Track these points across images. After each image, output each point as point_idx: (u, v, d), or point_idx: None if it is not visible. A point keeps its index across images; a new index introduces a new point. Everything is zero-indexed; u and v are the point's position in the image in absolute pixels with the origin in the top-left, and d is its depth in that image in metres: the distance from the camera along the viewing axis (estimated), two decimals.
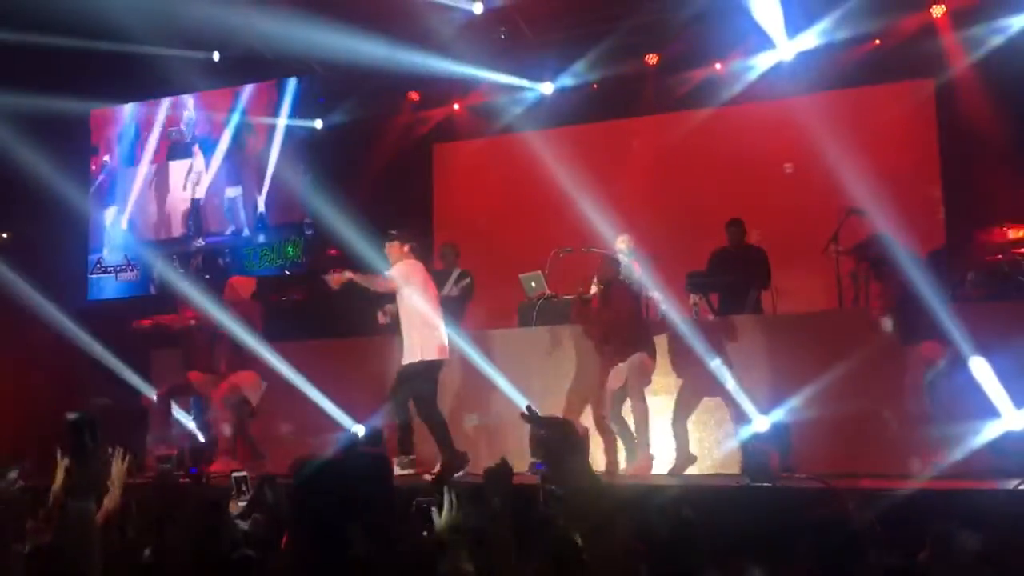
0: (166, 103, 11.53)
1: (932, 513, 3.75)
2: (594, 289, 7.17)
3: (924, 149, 9.37)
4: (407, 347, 6.71)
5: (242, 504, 4.62)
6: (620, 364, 6.68)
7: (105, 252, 11.53)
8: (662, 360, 7.07)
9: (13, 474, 3.67)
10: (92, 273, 11.44)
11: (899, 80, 9.52)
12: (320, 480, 2.12)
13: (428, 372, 6.66)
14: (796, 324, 7.22)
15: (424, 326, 6.62)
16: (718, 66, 10.04)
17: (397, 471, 6.46)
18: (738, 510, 4.62)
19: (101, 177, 11.71)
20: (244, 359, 7.40)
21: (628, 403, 6.70)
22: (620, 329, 6.71)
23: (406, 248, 6.81)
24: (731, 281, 7.91)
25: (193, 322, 7.61)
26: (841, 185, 8.93)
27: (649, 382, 6.71)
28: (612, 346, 6.76)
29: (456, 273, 8.37)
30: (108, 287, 11.42)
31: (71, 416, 2.67)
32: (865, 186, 8.81)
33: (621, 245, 8.31)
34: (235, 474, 5.31)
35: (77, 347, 8.94)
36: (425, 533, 2.81)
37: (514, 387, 7.42)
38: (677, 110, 10.28)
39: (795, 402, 6.52)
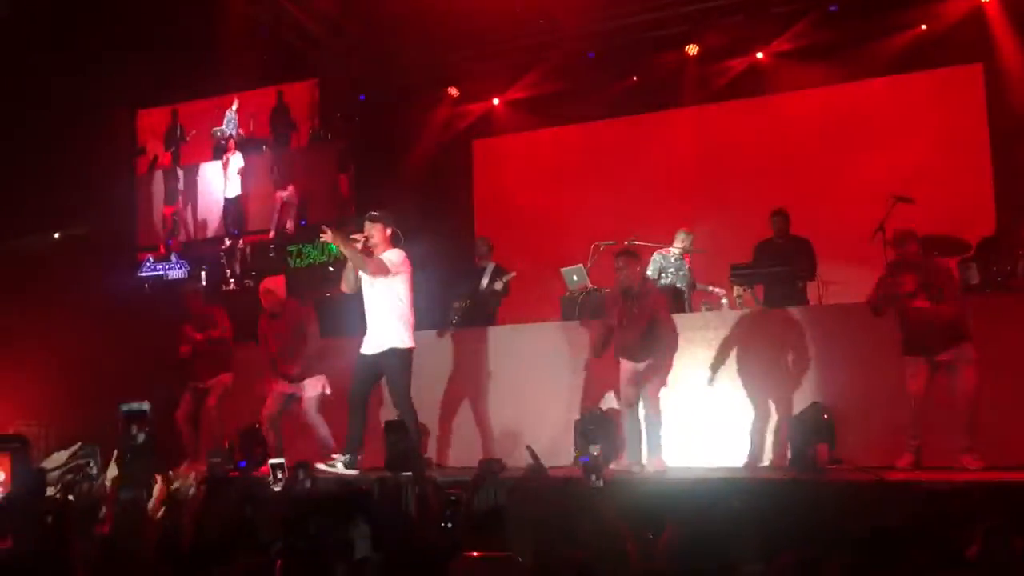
0: (211, 103, 11.68)
1: (981, 508, 3.68)
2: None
3: (973, 135, 9.19)
4: (382, 334, 6.50)
5: (277, 489, 4.68)
6: (638, 365, 6.55)
7: (154, 251, 11.73)
8: (704, 353, 7.01)
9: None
10: (142, 272, 11.63)
11: (946, 66, 9.35)
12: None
13: (408, 360, 6.58)
14: (842, 315, 7.11)
15: (405, 315, 6.53)
16: (759, 55, 9.94)
17: (340, 470, 6.38)
18: (784, 503, 4.58)
19: (148, 177, 11.90)
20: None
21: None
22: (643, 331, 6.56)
23: (388, 232, 6.62)
24: (776, 272, 7.82)
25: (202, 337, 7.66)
26: (888, 173, 8.83)
27: (664, 385, 6.58)
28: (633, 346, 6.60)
29: (491, 267, 8.38)
30: (159, 287, 11.60)
31: (124, 408, 2.72)
32: (912, 174, 8.70)
33: (680, 242, 8.33)
34: (272, 461, 5.35)
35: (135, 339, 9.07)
36: (449, 525, 2.80)
37: (556, 380, 7.42)
38: (718, 100, 10.20)
39: (842, 394, 6.44)
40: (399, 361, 6.52)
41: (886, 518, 2.96)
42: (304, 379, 7.23)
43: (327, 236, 6.48)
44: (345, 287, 6.69)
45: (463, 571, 2.49)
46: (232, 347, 7.97)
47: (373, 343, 6.57)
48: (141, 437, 2.61)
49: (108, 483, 3.74)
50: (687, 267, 8.44)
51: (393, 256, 6.52)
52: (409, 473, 4.54)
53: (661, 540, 2.87)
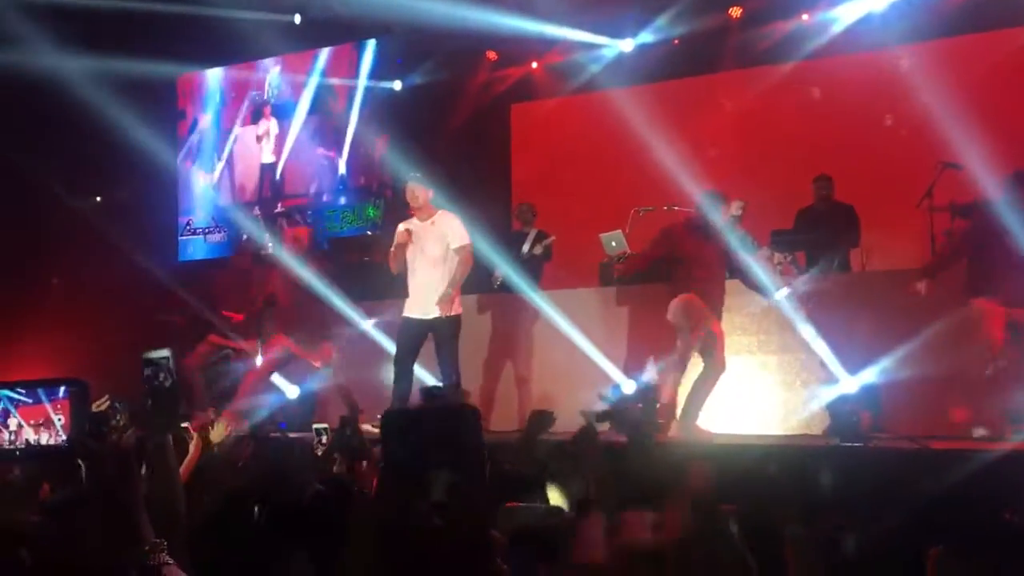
0: (249, 67, 11.71)
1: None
2: None
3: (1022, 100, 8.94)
4: (439, 300, 6.49)
5: (319, 453, 4.74)
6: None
7: (194, 214, 11.83)
8: (744, 320, 6.94)
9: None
10: (182, 235, 11.75)
11: (996, 28, 9.09)
12: (407, 427, 2.13)
13: (459, 326, 6.62)
14: (886, 282, 7.00)
15: (456, 282, 6.57)
16: (805, 17, 9.73)
17: None
18: (828, 470, 4.53)
19: (189, 141, 11.98)
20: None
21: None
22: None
23: (430, 193, 6.61)
24: (818, 239, 7.70)
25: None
26: (935, 138, 8.64)
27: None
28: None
29: (533, 233, 8.34)
30: (198, 248, 11.74)
31: (148, 354, 2.73)
32: (961, 139, 8.50)
33: (736, 211, 8.16)
34: (316, 425, 5.42)
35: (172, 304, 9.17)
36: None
37: (595, 346, 7.39)
38: (762, 64, 10.01)
39: (885, 362, 6.34)
40: (452, 328, 6.56)
41: (929, 486, 2.91)
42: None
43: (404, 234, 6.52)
44: (395, 268, 6.68)
45: (506, 517, 2.55)
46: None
47: (421, 308, 6.56)
48: (168, 382, 2.64)
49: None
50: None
51: (461, 227, 6.55)
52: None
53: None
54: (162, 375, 2.68)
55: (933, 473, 4.18)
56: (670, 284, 6.43)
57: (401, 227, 6.65)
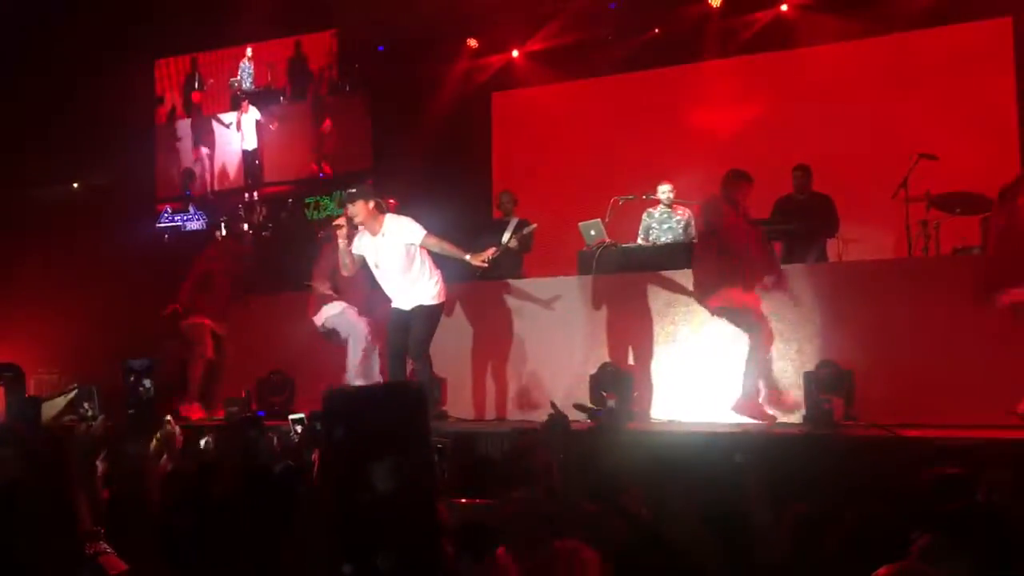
0: (228, 53, 11.63)
1: (990, 464, 3.67)
2: None
3: (1000, 91, 9.02)
4: (414, 292, 6.55)
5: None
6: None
7: (173, 202, 11.76)
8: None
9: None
10: (160, 223, 11.68)
11: (974, 20, 9.15)
12: (348, 407, 2.07)
13: (438, 315, 6.65)
14: (863, 272, 7.06)
15: (431, 272, 6.59)
16: (784, 7, 9.77)
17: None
18: (797, 457, 4.58)
19: (167, 127, 11.90)
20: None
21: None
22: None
23: (372, 204, 6.45)
24: (795, 229, 7.75)
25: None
26: (911, 129, 8.71)
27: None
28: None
29: (514, 221, 8.34)
30: (177, 235, 11.65)
31: (130, 363, 2.76)
32: (937, 130, 8.57)
33: (663, 195, 8.17)
34: (291, 416, 5.43)
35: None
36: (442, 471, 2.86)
37: (572, 335, 7.42)
38: (741, 54, 10.05)
39: (860, 351, 6.40)
40: (429, 317, 6.59)
41: (897, 473, 2.95)
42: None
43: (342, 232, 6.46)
44: (345, 271, 6.65)
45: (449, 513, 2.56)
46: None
47: (404, 301, 6.61)
48: (152, 391, 2.66)
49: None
50: (677, 219, 8.23)
51: (415, 226, 6.49)
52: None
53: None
54: (146, 384, 2.71)
55: (903, 460, 4.25)
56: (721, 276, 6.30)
57: (354, 247, 6.55)
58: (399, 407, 2.01)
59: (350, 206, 6.45)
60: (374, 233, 6.50)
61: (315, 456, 3.55)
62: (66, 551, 1.83)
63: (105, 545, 1.88)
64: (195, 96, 11.81)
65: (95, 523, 2.03)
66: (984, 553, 2.21)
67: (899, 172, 7.38)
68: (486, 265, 6.65)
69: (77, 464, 1.95)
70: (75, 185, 11.51)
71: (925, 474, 2.75)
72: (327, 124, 11.24)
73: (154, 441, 3.86)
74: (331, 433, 2.01)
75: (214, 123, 11.73)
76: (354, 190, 6.57)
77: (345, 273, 6.67)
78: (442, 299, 6.67)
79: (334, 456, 2.01)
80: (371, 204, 6.43)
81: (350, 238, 6.44)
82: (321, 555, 1.90)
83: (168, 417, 4.03)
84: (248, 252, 8.06)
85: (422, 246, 6.53)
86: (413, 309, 6.57)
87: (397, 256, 6.51)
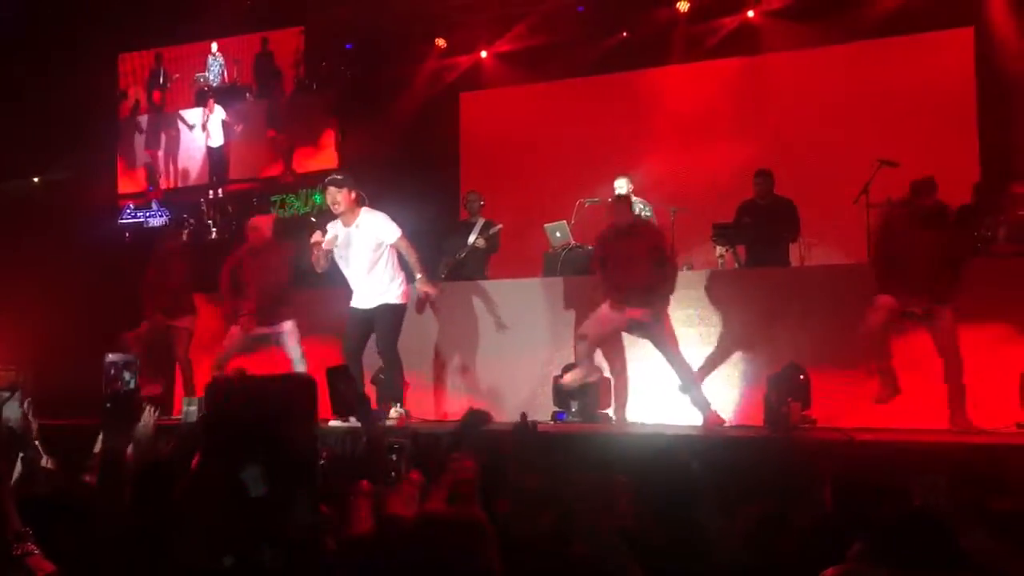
0: (194, 49, 11.52)
1: (930, 466, 3.74)
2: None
3: (961, 100, 9.16)
4: (375, 291, 6.53)
5: None
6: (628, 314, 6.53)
7: (135, 198, 11.63)
8: (685, 313, 7.03)
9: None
10: (123, 219, 11.54)
11: (937, 29, 9.29)
12: (231, 401, 2.01)
13: (401, 315, 6.63)
14: (823, 277, 7.14)
15: (395, 274, 6.57)
16: (750, 13, 9.86)
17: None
18: (752, 460, 4.63)
19: (130, 122, 11.76)
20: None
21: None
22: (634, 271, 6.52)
23: (353, 195, 6.49)
24: (758, 233, 7.82)
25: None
26: (873, 136, 8.82)
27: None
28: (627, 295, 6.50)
29: (481, 222, 8.34)
30: (139, 232, 11.52)
31: (111, 358, 2.71)
32: (898, 138, 8.69)
33: (620, 189, 8.20)
34: (186, 398, 5.31)
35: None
36: (393, 474, 2.84)
37: (537, 336, 7.43)
38: (707, 59, 10.12)
39: (821, 355, 6.47)
40: (392, 316, 6.57)
41: (849, 476, 2.99)
42: (280, 319, 7.19)
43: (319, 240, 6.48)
44: (319, 269, 6.63)
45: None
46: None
47: (366, 299, 6.57)
48: (133, 383, 2.64)
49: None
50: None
51: (389, 224, 6.49)
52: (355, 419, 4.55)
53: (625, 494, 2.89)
54: (127, 376, 2.67)
55: (856, 463, 4.30)
56: None
57: (328, 232, 6.53)
58: (285, 400, 1.96)
59: (334, 190, 6.44)
60: (347, 224, 6.50)
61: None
62: None
63: (32, 546, 1.85)
64: (158, 92, 11.68)
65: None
66: (919, 556, 2.25)
67: (861, 178, 7.47)
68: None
69: (3, 461, 1.91)
70: (35, 180, 11.34)
71: (866, 479, 2.79)
72: (293, 122, 11.16)
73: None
74: (209, 424, 1.97)
75: (178, 119, 11.62)
76: (340, 177, 6.57)
77: (319, 271, 6.64)
78: (405, 300, 6.67)
79: (211, 449, 1.96)
80: (353, 195, 6.47)
81: (328, 244, 6.44)
82: (203, 545, 1.84)
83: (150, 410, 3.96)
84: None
85: (393, 246, 6.52)
86: (376, 308, 6.55)
87: (365, 250, 6.51)
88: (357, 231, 6.51)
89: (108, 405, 2.67)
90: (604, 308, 6.53)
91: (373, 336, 6.68)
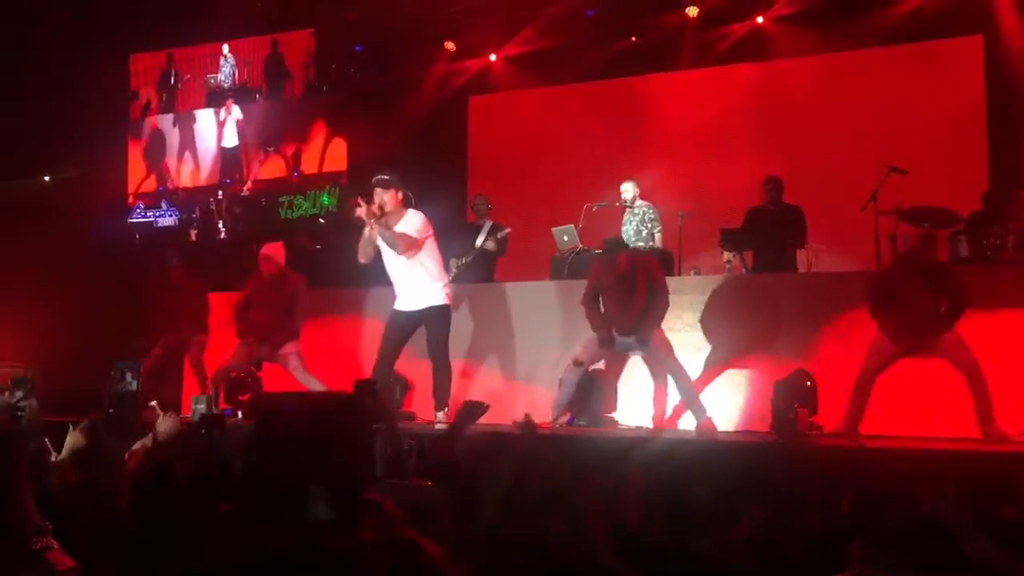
0: (205, 50, 11.56)
1: (941, 474, 3.73)
2: None
3: (970, 108, 9.15)
4: (419, 295, 6.49)
5: None
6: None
7: (145, 198, 11.67)
8: (692, 318, 7.03)
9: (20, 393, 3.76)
10: (132, 219, 11.58)
11: (946, 37, 9.28)
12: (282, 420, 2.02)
13: (449, 315, 6.61)
14: (830, 283, 7.14)
15: (436, 274, 6.52)
16: (760, 20, 9.86)
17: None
18: (759, 466, 4.62)
19: (141, 122, 11.81)
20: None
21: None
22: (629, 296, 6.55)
23: (400, 195, 6.46)
24: (766, 239, 7.82)
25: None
26: (882, 143, 8.81)
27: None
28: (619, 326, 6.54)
29: (488, 225, 8.36)
30: (149, 232, 11.57)
31: (117, 365, 2.77)
32: (907, 145, 8.68)
33: (626, 192, 8.22)
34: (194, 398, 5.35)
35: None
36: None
37: (543, 340, 7.44)
38: (717, 65, 10.12)
39: (828, 362, 6.46)
40: (442, 317, 6.54)
41: (858, 483, 2.99)
42: (282, 342, 7.16)
43: (361, 211, 6.30)
44: (363, 258, 6.56)
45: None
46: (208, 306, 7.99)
47: (411, 302, 6.53)
48: (134, 384, 2.68)
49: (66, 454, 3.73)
50: (634, 213, 8.24)
51: (417, 224, 6.44)
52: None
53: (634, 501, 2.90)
54: (128, 376, 2.72)
55: (864, 470, 4.30)
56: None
57: (368, 230, 6.46)
58: (331, 416, 1.98)
59: (380, 191, 6.39)
60: (394, 224, 6.44)
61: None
62: (13, 547, 1.80)
63: (52, 541, 1.86)
64: (169, 93, 11.73)
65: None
66: (920, 559, 2.25)
67: (869, 185, 7.45)
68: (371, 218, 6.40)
69: (25, 458, 1.91)
70: (46, 178, 11.39)
71: (874, 486, 2.79)
72: (302, 123, 11.19)
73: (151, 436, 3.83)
74: (259, 438, 1.97)
75: (189, 120, 11.65)
76: (387, 176, 6.49)
77: (363, 260, 6.58)
78: (450, 301, 6.63)
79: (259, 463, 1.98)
80: (400, 195, 6.44)
81: (374, 227, 6.35)
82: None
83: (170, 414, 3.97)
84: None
85: (402, 231, 6.43)
86: (423, 310, 6.50)
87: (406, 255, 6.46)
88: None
89: (111, 407, 2.72)
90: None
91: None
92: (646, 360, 6.74)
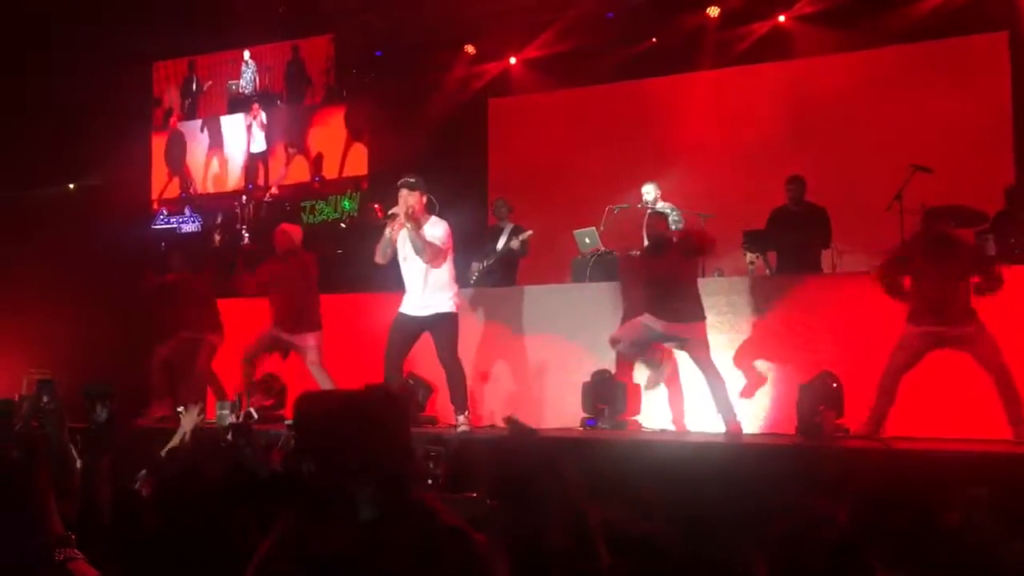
0: (226, 56, 11.63)
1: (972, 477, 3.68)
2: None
3: (995, 105, 9.04)
4: (429, 300, 6.47)
5: None
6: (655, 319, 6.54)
7: (168, 204, 11.76)
8: (716, 319, 6.99)
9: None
10: (156, 224, 11.66)
11: (971, 34, 9.18)
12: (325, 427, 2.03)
13: (456, 323, 6.57)
14: (855, 284, 7.07)
15: (448, 282, 6.52)
16: (782, 18, 9.79)
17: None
18: (784, 469, 4.58)
19: (164, 129, 11.89)
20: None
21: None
22: (672, 287, 6.57)
23: (425, 199, 6.46)
24: (789, 239, 7.76)
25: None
26: (906, 142, 8.72)
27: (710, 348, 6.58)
28: (662, 304, 6.57)
29: (509, 228, 8.35)
30: (173, 240, 11.64)
31: (88, 388, 2.85)
32: (932, 143, 8.59)
33: (647, 195, 8.18)
34: (288, 420, 5.41)
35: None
36: (430, 481, 2.86)
37: (566, 342, 7.42)
38: (738, 64, 10.06)
39: (854, 364, 6.40)
40: (449, 325, 6.52)
41: (886, 485, 2.94)
42: (303, 330, 7.23)
43: (398, 208, 6.29)
44: (380, 258, 6.56)
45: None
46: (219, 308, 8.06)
47: (418, 306, 6.53)
48: (104, 415, 2.74)
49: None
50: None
51: (441, 233, 6.44)
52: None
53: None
54: (98, 408, 2.80)
55: (892, 474, 4.24)
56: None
57: (389, 230, 6.48)
58: (372, 414, 1.98)
59: (406, 192, 6.38)
60: (418, 228, 6.41)
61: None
62: (36, 556, 1.79)
63: (76, 551, 1.85)
64: (191, 99, 11.80)
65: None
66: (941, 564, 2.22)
67: (894, 184, 7.38)
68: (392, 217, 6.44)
69: (48, 466, 1.91)
70: (71, 186, 11.50)
71: (902, 490, 2.74)
72: (323, 129, 11.23)
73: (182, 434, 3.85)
74: (299, 437, 1.97)
75: (212, 126, 11.73)
76: (413, 179, 6.49)
77: (379, 260, 6.58)
78: (457, 309, 6.61)
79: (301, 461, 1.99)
80: (424, 199, 6.45)
81: (409, 228, 6.34)
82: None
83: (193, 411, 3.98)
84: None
85: (430, 240, 6.42)
86: (430, 317, 6.49)
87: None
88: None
89: (89, 432, 2.81)
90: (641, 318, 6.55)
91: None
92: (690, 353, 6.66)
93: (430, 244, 6.34)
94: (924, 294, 5.91)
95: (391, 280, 7.49)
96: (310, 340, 7.23)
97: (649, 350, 6.80)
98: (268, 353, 7.47)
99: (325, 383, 7.08)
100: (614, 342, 6.68)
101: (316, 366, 7.18)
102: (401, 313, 6.60)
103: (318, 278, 7.46)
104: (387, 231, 6.42)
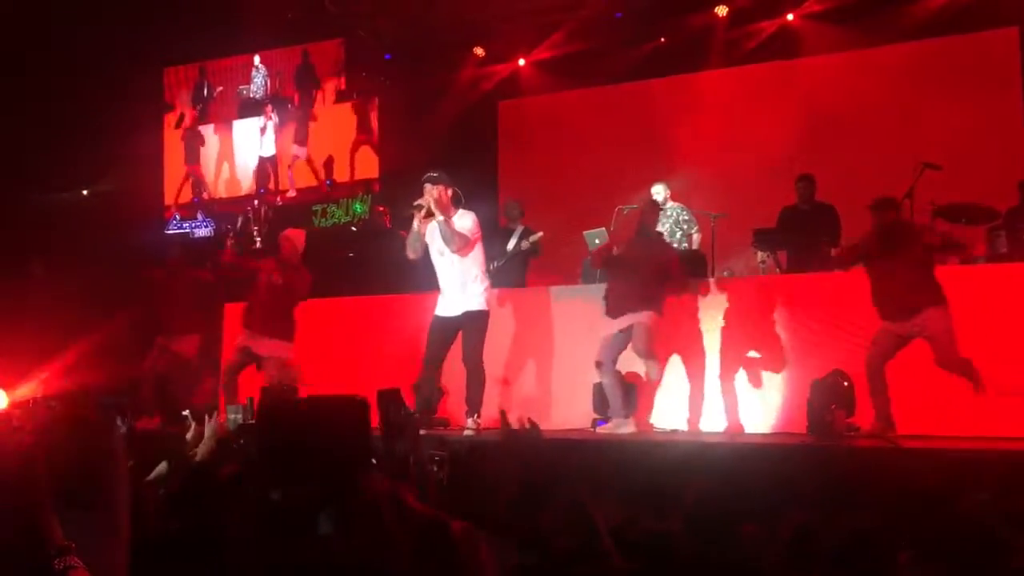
0: (237, 61, 11.69)
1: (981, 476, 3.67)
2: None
3: (1006, 101, 9.01)
4: (460, 298, 6.51)
5: None
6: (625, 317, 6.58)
7: (180, 209, 11.82)
8: (727, 318, 6.98)
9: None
10: (169, 230, 11.73)
11: (980, 30, 9.14)
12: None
13: (485, 322, 6.59)
14: (866, 282, 7.03)
15: (479, 278, 6.55)
16: (790, 17, 9.78)
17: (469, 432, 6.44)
18: (795, 468, 4.58)
19: (175, 134, 11.96)
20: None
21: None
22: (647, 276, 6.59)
23: (450, 193, 6.48)
24: (799, 238, 7.75)
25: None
26: (916, 139, 8.70)
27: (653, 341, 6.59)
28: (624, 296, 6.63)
29: (520, 229, 8.36)
30: (186, 244, 11.69)
31: (104, 400, 2.87)
32: (942, 140, 8.56)
33: (657, 195, 8.18)
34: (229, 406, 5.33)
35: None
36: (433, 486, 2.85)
37: (576, 344, 7.41)
38: (747, 63, 10.05)
39: (863, 361, 6.38)
40: (479, 323, 6.54)
41: (896, 484, 2.95)
42: (277, 338, 7.15)
43: (425, 199, 6.30)
44: (411, 253, 6.58)
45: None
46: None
47: (451, 306, 6.56)
48: (124, 428, 2.75)
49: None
50: (667, 216, 8.24)
51: (468, 224, 6.46)
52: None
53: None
54: (119, 420, 2.80)
55: (903, 471, 4.24)
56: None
57: (417, 223, 6.49)
58: (337, 420, 1.97)
59: (430, 187, 6.40)
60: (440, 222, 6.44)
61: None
62: (35, 566, 1.79)
63: (76, 560, 1.85)
64: (203, 104, 11.86)
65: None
66: (969, 568, 2.21)
67: (904, 182, 7.36)
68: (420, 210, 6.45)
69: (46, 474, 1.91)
70: (84, 192, 11.57)
71: (911, 488, 2.75)
72: (334, 132, 11.28)
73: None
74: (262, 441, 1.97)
75: (223, 131, 11.79)
76: (436, 174, 6.51)
77: (411, 255, 6.60)
78: (488, 307, 6.63)
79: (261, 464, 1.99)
80: (449, 192, 6.47)
81: (425, 222, 6.37)
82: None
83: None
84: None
85: (459, 230, 6.43)
86: (461, 315, 6.51)
87: (453, 253, 6.48)
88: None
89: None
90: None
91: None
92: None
93: (459, 234, 6.37)
94: (877, 289, 5.92)
95: (400, 283, 7.54)
96: (273, 349, 7.10)
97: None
98: (240, 371, 7.36)
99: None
100: (599, 365, 6.69)
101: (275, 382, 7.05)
102: (437, 316, 6.63)
103: (307, 295, 7.31)
104: (415, 224, 6.45)
